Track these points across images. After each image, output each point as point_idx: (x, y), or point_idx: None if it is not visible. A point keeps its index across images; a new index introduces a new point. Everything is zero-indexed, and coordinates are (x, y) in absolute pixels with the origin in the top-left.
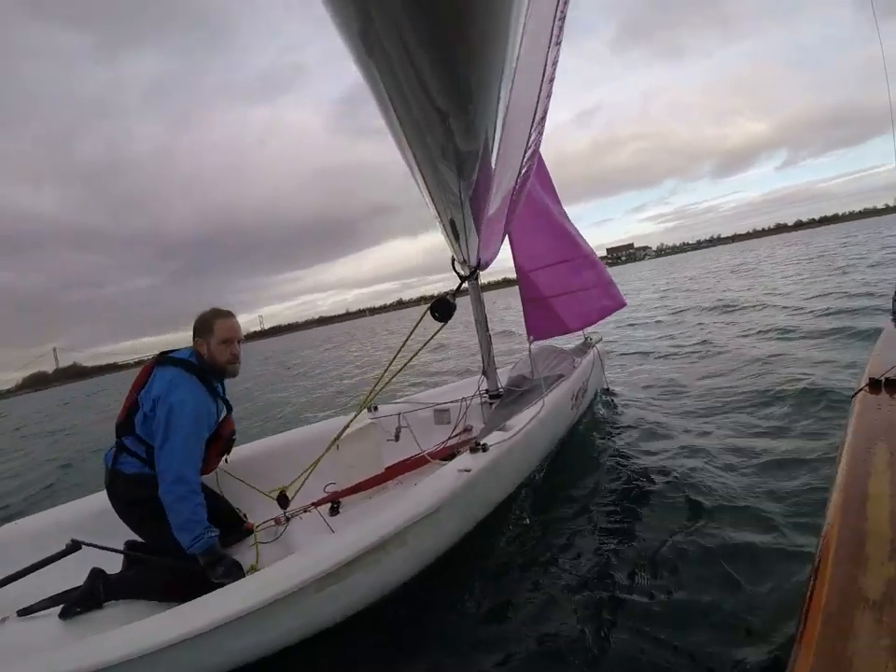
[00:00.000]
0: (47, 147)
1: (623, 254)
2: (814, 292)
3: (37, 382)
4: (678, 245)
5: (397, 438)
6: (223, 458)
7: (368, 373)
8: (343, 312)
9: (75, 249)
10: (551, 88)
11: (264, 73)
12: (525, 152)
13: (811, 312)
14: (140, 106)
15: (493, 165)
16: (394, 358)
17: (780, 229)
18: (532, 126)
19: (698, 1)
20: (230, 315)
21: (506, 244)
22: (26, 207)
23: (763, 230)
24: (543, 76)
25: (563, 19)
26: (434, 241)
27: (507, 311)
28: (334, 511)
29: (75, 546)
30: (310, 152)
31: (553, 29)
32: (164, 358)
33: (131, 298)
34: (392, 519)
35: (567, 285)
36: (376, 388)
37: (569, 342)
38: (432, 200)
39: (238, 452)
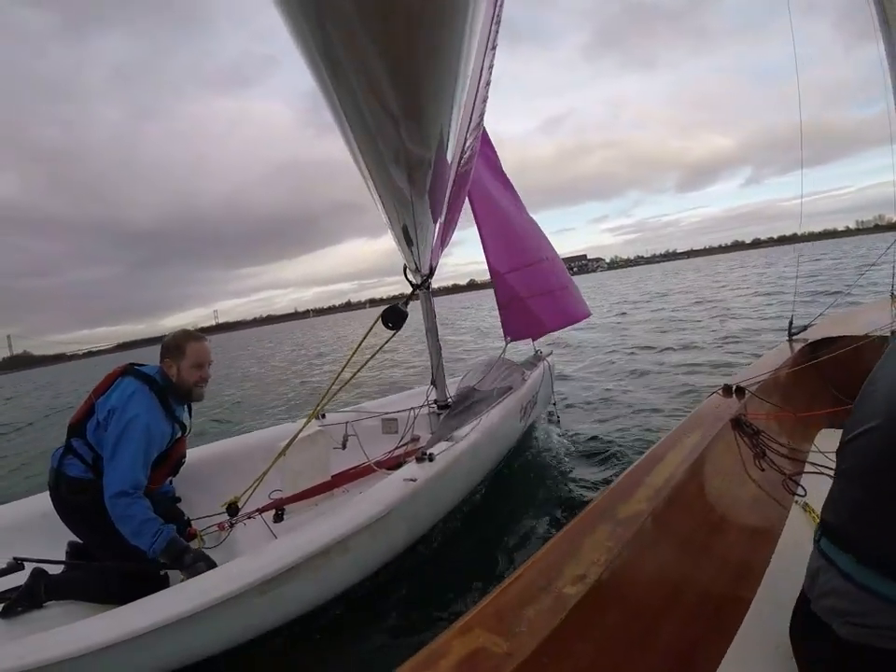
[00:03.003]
0: (3, 128)
1: (576, 265)
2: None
3: None
4: (632, 258)
5: (343, 446)
6: (169, 480)
7: None
8: (291, 311)
9: (32, 236)
10: (486, 92)
11: (235, 62)
12: (462, 157)
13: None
14: (104, 91)
15: (445, 172)
16: (344, 366)
17: (737, 246)
18: (468, 130)
19: (673, 13)
20: (201, 338)
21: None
22: None
23: (720, 246)
24: (480, 80)
25: (498, 22)
26: (395, 243)
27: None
28: (279, 517)
29: (17, 566)
30: (276, 145)
31: (490, 33)
32: (130, 370)
33: (88, 287)
34: (336, 526)
35: (544, 285)
36: (326, 397)
37: (519, 354)
38: (384, 206)
39: None
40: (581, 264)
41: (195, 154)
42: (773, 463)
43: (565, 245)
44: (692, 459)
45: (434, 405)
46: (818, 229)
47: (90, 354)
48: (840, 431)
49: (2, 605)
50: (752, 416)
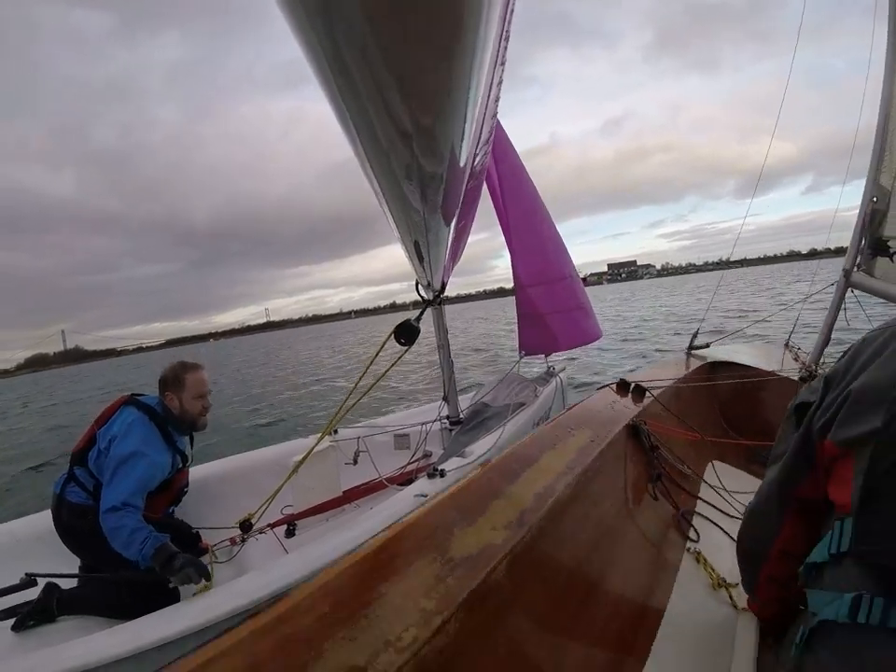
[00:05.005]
0: (64, 130)
1: (624, 271)
2: None
3: (37, 363)
4: (683, 265)
5: (355, 461)
6: (171, 509)
7: None
8: (337, 311)
9: (89, 234)
10: (496, 108)
11: (291, 61)
12: (472, 173)
13: None
14: (161, 92)
15: (458, 188)
16: (357, 383)
17: (792, 256)
18: (477, 146)
19: (737, 13)
20: (198, 367)
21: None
22: (44, 190)
23: (776, 255)
24: (489, 96)
25: (507, 38)
26: (406, 258)
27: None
28: (290, 532)
29: (30, 582)
30: (331, 145)
31: (498, 49)
32: (131, 400)
33: (144, 284)
34: (347, 542)
35: (563, 303)
36: (339, 413)
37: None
38: (396, 222)
39: (195, 472)
40: (630, 270)
41: (251, 154)
42: (667, 493)
43: (619, 250)
44: (577, 470)
45: (446, 421)
46: None
47: (139, 349)
48: (728, 467)
49: (14, 618)
50: (652, 427)
